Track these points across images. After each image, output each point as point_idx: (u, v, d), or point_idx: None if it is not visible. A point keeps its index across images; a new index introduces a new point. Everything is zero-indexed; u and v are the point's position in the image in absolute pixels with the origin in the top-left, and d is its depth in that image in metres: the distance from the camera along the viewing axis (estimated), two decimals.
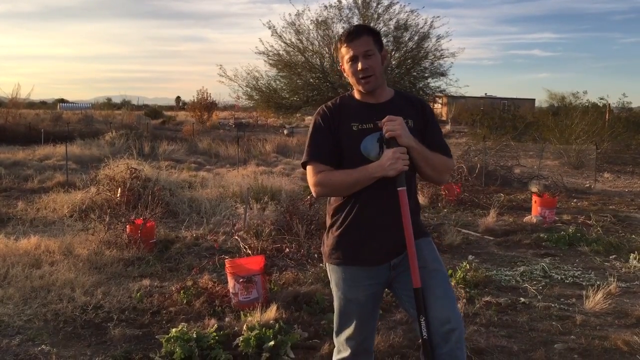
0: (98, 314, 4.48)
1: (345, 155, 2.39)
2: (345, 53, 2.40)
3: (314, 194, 2.43)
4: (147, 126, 28.85)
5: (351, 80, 2.43)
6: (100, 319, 4.41)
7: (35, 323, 4.29)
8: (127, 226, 6.52)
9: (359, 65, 2.35)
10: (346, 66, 2.42)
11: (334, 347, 2.63)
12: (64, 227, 7.39)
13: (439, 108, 38.56)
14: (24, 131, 24.26)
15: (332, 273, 2.54)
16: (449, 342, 2.31)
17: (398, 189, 2.30)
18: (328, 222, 2.54)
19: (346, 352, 2.54)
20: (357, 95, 2.48)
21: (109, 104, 60.07)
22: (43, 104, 63.10)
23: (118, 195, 8.39)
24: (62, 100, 73.85)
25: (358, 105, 2.45)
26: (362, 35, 2.37)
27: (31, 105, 45.69)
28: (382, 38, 2.56)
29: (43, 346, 3.88)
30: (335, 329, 2.57)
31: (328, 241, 2.53)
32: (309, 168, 2.44)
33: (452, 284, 5.10)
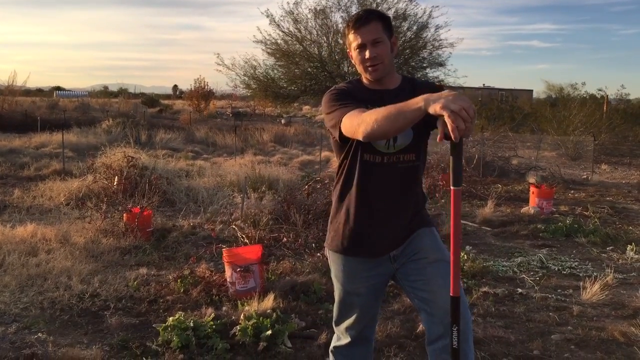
0: (95, 302, 4.47)
1: (351, 140, 2.27)
2: (352, 40, 2.28)
3: (360, 135, 2.06)
4: (144, 114, 28.75)
5: (358, 67, 2.34)
6: (97, 307, 4.40)
7: (31, 311, 4.28)
8: (124, 214, 6.50)
9: (367, 54, 2.24)
10: (354, 53, 2.31)
11: (332, 335, 2.63)
12: (61, 215, 7.36)
13: None
14: (20, 119, 24.13)
15: (332, 263, 2.51)
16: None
17: (452, 187, 1.95)
18: (332, 208, 2.50)
19: (346, 340, 2.54)
20: (365, 82, 2.39)
21: (105, 92, 59.80)
22: (39, 92, 62.76)
23: (115, 183, 8.37)
24: (58, 88, 73.51)
25: (367, 92, 2.35)
26: (371, 21, 2.25)
27: (27, 92, 45.46)
28: None
29: (39, 334, 3.87)
30: (335, 318, 2.57)
31: (331, 227, 2.49)
32: (347, 117, 2.13)
33: None
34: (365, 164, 2.30)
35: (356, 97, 2.29)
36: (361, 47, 2.27)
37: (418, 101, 1.87)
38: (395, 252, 2.40)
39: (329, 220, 2.53)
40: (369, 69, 2.28)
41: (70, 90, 68.95)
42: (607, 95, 28.20)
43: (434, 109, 1.79)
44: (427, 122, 2.08)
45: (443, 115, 1.77)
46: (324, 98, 2.34)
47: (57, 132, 16.94)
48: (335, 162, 2.50)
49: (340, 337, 2.57)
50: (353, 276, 2.45)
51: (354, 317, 2.48)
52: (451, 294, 2.06)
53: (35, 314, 4.23)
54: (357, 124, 2.05)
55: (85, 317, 4.23)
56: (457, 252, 2.00)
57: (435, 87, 2.32)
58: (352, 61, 2.39)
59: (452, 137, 1.78)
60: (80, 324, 4.10)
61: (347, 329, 2.52)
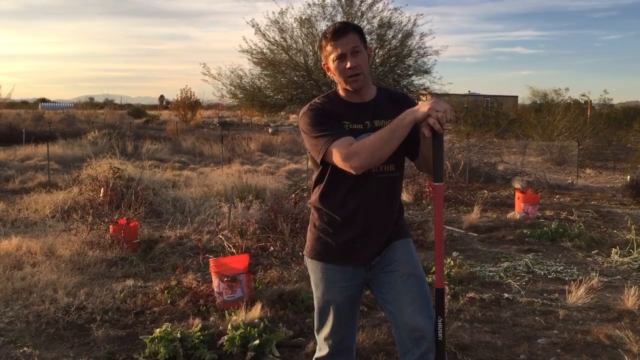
0: (81, 315, 4.43)
1: None
2: (331, 51, 2.29)
3: (352, 168, 2.16)
4: (130, 125, 28.65)
5: (337, 79, 2.33)
6: (83, 320, 4.36)
7: (17, 325, 4.23)
8: (110, 226, 6.46)
9: (348, 64, 2.25)
10: (332, 65, 2.31)
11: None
12: (46, 227, 7.30)
13: None
14: (5, 131, 23.92)
15: (312, 271, 2.51)
16: (420, 347, 2.27)
17: (435, 183, 2.15)
18: (312, 217, 2.49)
19: (325, 351, 2.53)
20: (342, 94, 2.39)
21: (91, 104, 59.48)
22: (24, 104, 62.29)
23: (101, 195, 8.32)
24: (43, 100, 73.00)
25: (346, 105, 2.36)
26: (348, 32, 2.27)
27: (12, 105, 45.14)
28: (366, 36, 2.52)
29: (25, 348, 3.83)
30: (315, 327, 2.57)
31: (310, 235, 2.49)
32: (335, 147, 2.18)
33: None
34: (346, 175, 2.29)
35: (335, 114, 2.31)
36: (341, 58, 2.28)
37: (406, 116, 2.11)
38: (373, 261, 2.42)
39: (308, 229, 2.53)
40: (350, 79, 2.29)
41: (55, 102, 68.42)
42: (591, 101, 28.57)
43: (422, 110, 2.07)
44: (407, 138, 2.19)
45: (429, 116, 2.06)
46: (303, 118, 2.34)
47: (42, 145, 16.80)
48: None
49: (321, 348, 2.56)
50: (331, 285, 2.44)
51: (330, 326, 2.48)
52: (436, 287, 2.22)
53: (21, 328, 4.19)
54: (349, 156, 2.15)
55: (71, 330, 4.19)
56: (440, 245, 2.19)
57: (408, 96, 2.47)
58: (329, 74, 2.40)
59: (435, 128, 2.07)
60: (66, 338, 4.06)
61: (326, 339, 2.51)
